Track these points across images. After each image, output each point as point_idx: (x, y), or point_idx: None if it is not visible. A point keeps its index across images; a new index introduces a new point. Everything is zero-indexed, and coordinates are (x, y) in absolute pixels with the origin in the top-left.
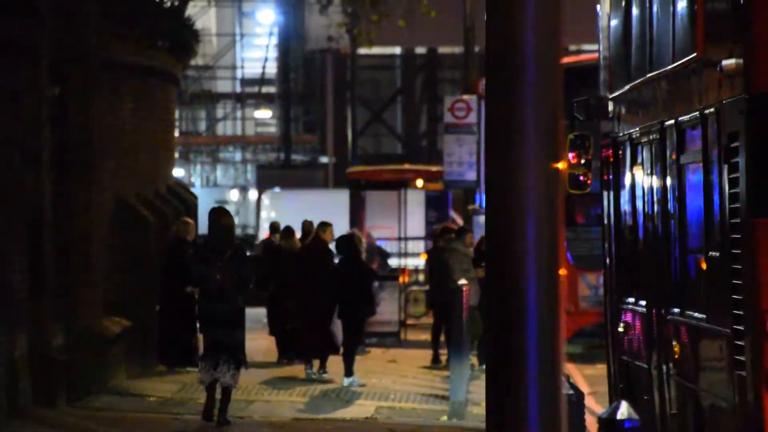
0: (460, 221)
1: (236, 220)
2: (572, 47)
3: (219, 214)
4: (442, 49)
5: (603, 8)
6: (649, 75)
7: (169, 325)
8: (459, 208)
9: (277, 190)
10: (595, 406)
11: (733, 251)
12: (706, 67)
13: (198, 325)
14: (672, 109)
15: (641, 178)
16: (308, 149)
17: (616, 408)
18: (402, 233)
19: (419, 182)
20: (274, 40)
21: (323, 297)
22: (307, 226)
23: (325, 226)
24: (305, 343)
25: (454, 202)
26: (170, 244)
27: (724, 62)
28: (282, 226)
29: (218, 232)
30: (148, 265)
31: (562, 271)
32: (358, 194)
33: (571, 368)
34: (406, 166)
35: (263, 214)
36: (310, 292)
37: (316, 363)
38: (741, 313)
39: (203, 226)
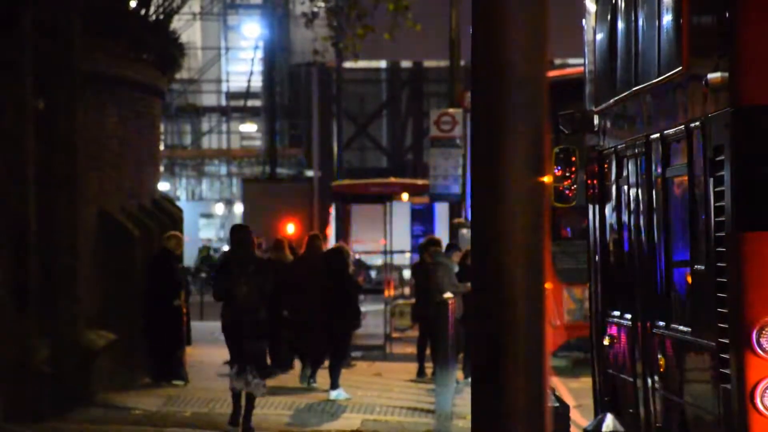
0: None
1: (221, 234)
2: (557, 61)
3: (241, 232)
4: (428, 63)
5: (588, 22)
6: (634, 88)
7: (154, 339)
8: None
9: None
10: (580, 420)
11: (719, 264)
12: (691, 80)
13: (224, 336)
14: (657, 123)
15: (627, 192)
16: (294, 163)
17: (602, 421)
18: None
19: (405, 196)
20: (260, 54)
21: (320, 306)
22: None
23: (317, 236)
24: (303, 350)
25: (440, 216)
26: (157, 256)
27: (710, 76)
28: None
29: (241, 248)
30: (133, 279)
31: (547, 285)
32: (344, 208)
33: (556, 381)
34: (392, 179)
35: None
36: (308, 302)
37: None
38: (726, 326)
39: (188, 241)
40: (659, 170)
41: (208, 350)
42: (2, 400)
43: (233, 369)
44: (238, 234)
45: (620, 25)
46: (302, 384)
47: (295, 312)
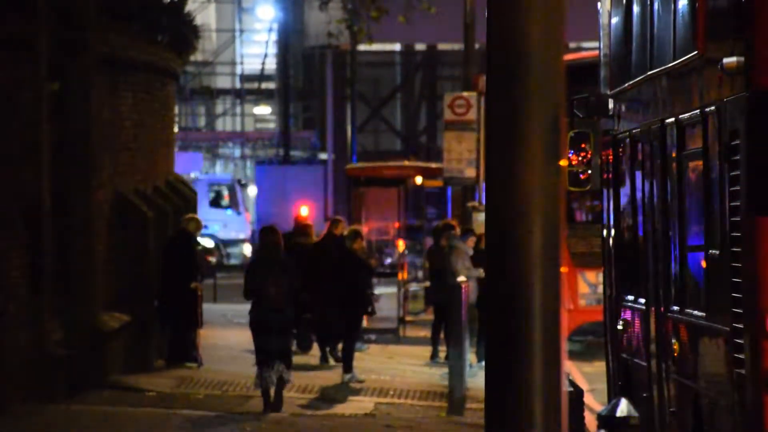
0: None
1: None
2: (572, 44)
3: (269, 232)
4: (442, 46)
5: (603, 6)
6: (649, 72)
7: (169, 321)
8: (458, 205)
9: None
10: (594, 404)
11: (733, 249)
12: (707, 64)
13: (251, 332)
14: (672, 107)
15: (641, 176)
16: (307, 145)
17: (616, 405)
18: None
19: (418, 179)
20: (274, 37)
21: (334, 290)
22: (299, 222)
23: (337, 222)
24: (320, 334)
25: (454, 199)
26: (175, 238)
27: (725, 60)
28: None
29: (269, 248)
30: (146, 261)
31: (562, 269)
32: (357, 190)
33: (570, 365)
34: (406, 162)
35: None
36: (324, 286)
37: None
38: (741, 311)
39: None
40: (674, 155)
41: (221, 333)
42: (16, 382)
43: (260, 367)
44: (267, 236)
45: (636, 8)
46: (321, 364)
47: (314, 295)
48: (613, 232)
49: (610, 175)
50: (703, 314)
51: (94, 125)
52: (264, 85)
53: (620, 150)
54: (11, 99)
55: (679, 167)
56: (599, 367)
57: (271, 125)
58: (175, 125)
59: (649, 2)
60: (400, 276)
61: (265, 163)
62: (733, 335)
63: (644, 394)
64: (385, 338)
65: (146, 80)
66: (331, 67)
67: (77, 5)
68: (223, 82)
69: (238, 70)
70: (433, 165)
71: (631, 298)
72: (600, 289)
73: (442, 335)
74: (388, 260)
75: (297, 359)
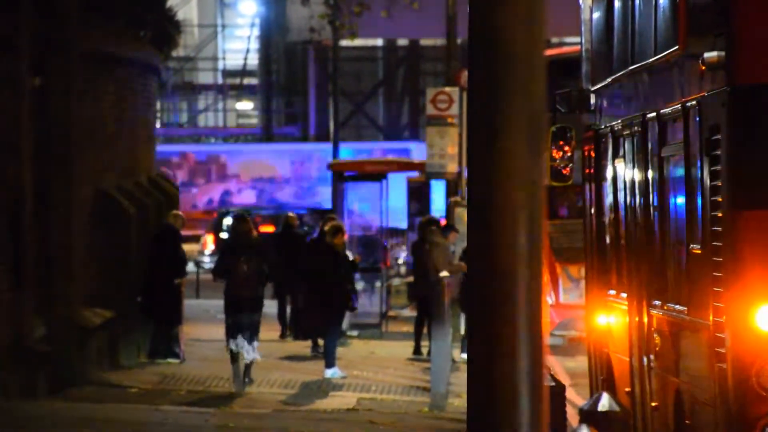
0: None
1: None
2: (554, 40)
3: (238, 221)
4: (424, 41)
5: (585, 1)
6: (631, 67)
7: (152, 316)
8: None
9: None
10: (576, 399)
11: (714, 243)
12: (688, 59)
13: (224, 308)
14: (654, 102)
15: (623, 171)
16: (290, 141)
17: (598, 400)
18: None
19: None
20: (256, 32)
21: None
22: (290, 219)
23: (336, 231)
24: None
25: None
26: (160, 234)
27: (706, 55)
28: None
29: (241, 234)
30: (128, 256)
31: (544, 264)
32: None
33: (552, 360)
34: (389, 158)
35: None
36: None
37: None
38: (722, 305)
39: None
40: (655, 149)
41: (203, 329)
42: None
43: (229, 336)
44: (237, 223)
45: (617, 3)
46: (312, 353)
47: (306, 292)
48: (595, 226)
49: (592, 170)
50: (685, 309)
51: (75, 121)
52: (246, 81)
53: (602, 145)
54: None
55: (660, 162)
56: (581, 361)
57: (254, 120)
58: (157, 121)
59: None
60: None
61: None
62: (714, 329)
63: (626, 389)
64: (367, 333)
65: (128, 76)
66: (314, 62)
67: (59, 1)
68: (205, 77)
69: (220, 65)
70: (416, 160)
71: (613, 292)
72: (582, 283)
73: (425, 330)
74: (401, 255)
75: (291, 347)
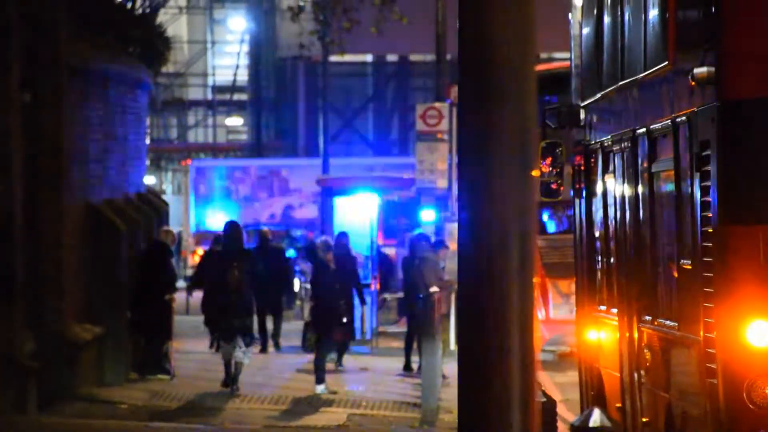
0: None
1: None
2: (543, 55)
3: (232, 227)
4: (414, 57)
5: (575, 16)
6: (620, 83)
7: (142, 332)
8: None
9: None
10: (567, 414)
11: (705, 259)
12: (677, 75)
13: (209, 315)
14: (643, 117)
15: (613, 186)
16: (280, 157)
17: (589, 415)
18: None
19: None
20: (246, 48)
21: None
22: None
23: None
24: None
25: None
26: (151, 250)
27: (696, 70)
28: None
29: (233, 240)
30: (119, 272)
31: (534, 279)
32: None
33: (543, 376)
34: (378, 173)
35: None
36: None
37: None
38: (712, 321)
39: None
40: (645, 165)
41: (193, 344)
42: None
43: (223, 340)
44: (229, 229)
45: (606, 19)
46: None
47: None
48: (585, 242)
49: (582, 186)
50: (675, 324)
51: (65, 137)
52: (236, 97)
53: (592, 160)
54: None
55: (650, 177)
56: (572, 377)
57: (244, 136)
58: (147, 137)
59: (619, 13)
60: (373, 287)
61: None
62: (705, 345)
63: (617, 405)
64: (358, 349)
65: (118, 92)
66: (303, 78)
67: (49, 17)
68: (194, 93)
69: (210, 81)
70: (406, 176)
71: (603, 308)
72: (573, 299)
73: (415, 346)
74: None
75: (281, 362)
